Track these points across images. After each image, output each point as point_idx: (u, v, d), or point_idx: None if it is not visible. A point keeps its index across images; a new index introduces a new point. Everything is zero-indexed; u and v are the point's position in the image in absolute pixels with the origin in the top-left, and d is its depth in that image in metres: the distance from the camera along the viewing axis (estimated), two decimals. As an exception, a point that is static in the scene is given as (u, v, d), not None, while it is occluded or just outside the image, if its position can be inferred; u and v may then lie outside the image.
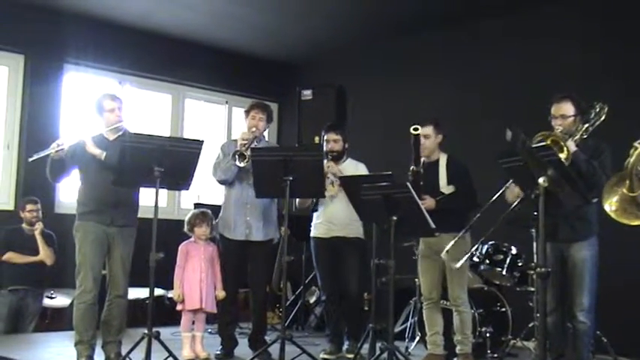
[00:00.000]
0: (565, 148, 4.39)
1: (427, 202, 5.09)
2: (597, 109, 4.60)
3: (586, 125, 4.58)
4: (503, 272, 5.98)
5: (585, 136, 4.59)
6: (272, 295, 7.35)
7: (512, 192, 4.68)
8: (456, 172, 5.32)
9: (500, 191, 4.75)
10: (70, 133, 5.35)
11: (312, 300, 7.68)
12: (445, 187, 5.30)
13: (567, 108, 4.66)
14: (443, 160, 5.39)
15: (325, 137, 5.89)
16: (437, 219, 4.68)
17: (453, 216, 5.13)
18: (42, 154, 4.97)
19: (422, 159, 5.28)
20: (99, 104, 5.24)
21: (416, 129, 5.15)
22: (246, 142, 5.47)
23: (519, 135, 4.40)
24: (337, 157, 5.81)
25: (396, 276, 4.90)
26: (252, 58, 9.17)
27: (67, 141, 5.07)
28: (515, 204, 4.57)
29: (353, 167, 5.82)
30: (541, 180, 4.03)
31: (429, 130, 5.34)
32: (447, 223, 4.95)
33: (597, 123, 4.59)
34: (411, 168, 5.18)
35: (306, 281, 7.49)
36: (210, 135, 8.99)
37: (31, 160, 5.00)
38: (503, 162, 4.23)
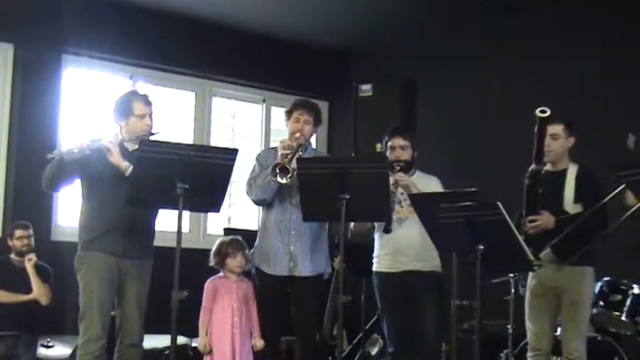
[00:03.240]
0: None
1: (543, 219, 5.01)
2: None
3: None
4: (623, 317, 5.86)
5: None
6: (323, 344, 7.32)
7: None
8: (588, 189, 5.21)
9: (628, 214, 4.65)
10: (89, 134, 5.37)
11: (375, 351, 7.62)
12: (570, 205, 5.21)
13: None
14: (572, 170, 5.30)
15: (389, 143, 5.87)
16: (557, 244, 4.62)
17: (579, 243, 5.04)
18: (65, 151, 5.02)
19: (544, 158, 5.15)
20: (126, 105, 5.28)
21: (543, 111, 4.93)
22: (288, 151, 5.46)
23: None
24: (406, 169, 5.78)
25: (483, 321, 4.85)
26: (295, 46, 9.19)
27: (91, 142, 5.08)
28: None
29: (423, 182, 5.79)
30: (674, 198, 3.95)
31: (558, 129, 5.23)
32: (570, 252, 4.90)
33: None
34: (531, 168, 5.08)
35: (367, 327, 7.45)
36: (244, 142, 9.03)
37: (50, 156, 5.05)
38: (624, 175, 4.16)
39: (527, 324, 5.38)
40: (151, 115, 5.29)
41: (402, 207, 5.68)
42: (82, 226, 5.25)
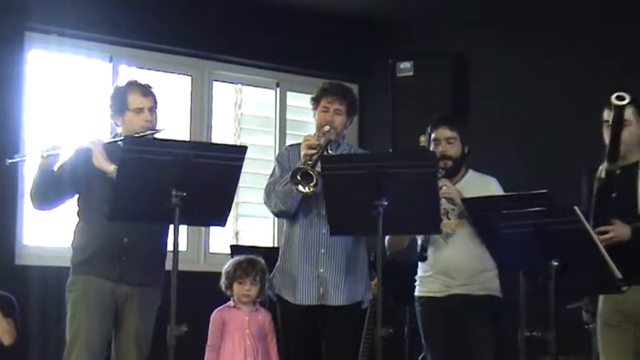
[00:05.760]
0: None
1: (616, 230, 4.98)
2: None
3: None
4: None
5: None
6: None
7: None
8: None
9: None
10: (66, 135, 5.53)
11: (422, 396, 7.64)
12: None
13: None
14: None
15: (433, 135, 5.86)
16: (631, 260, 4.60)
17: None
18: (26, 157, 5.11)
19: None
20: (120, 99, 5.42)
21: (621, 97, 4.82)
22: (313, 151, 5.46)
23: None
24: (453, 170, 5.78)
25: (559, 357, 4.83)
26: (317, 15, 9.19)
27: (68, 143, 5.24)
28: None
29: (478, 184, 5.80)
30: None
31: (627, 113, 5.05)
32: None
33: None
34: (602, 167, 5.00)
35: (412, 367, 7.46)
36: (254, 137, 9.03)
37: (10, 162, 5.13)
38: None
39: None
40: (151, 108, 5.42)
41: (448, 219, 5.68)
42: (74, 248, 5.38)
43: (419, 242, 5.79)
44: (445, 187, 5.57)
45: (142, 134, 5.28)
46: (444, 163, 5.69)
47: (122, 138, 5.32)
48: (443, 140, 5.78)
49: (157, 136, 5.38)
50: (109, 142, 5.32)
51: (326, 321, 5.65)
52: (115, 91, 5.50)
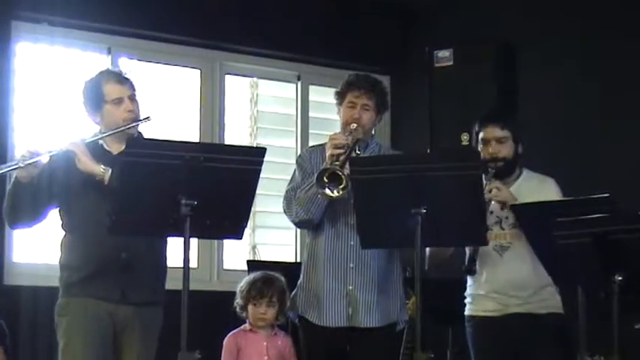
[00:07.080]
0: None
1: None
2: None
3: None
4: None
5: None
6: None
7: None
8: None
9: None
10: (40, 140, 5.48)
11: None
12: None
13: None
14: None
15: (481, 135, 5.86)
16: None
17: None
18: (5, 168, 5.13)
19: None
20: (95, 91, 5.37)
21: None
22: (340, 151, 5.45)
23: None
24: (505, 171, 5.77)
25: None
26: (341, -2, 9.23)
27: (46, 148, 5.19)
28: None
29: (536, 185, 5.80)
30: None
31: None
32: None
33: None
34: None
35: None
36: (272, 138, 9.03)
37: None
38: None
39: None
40: (131, 96, 5.37)
41: (502, 229, 5.67)
42: (64, 266, 5.33)
43: (467, 252, 5.77)
44: (495, 189, 5.55)
45: (127, 126, 5.25)
46: (494, 164, 5.67)
47: (106, 133, 5.29)
48: (493, 140, 5.76)
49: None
50: (92, 140, 5.27)
51: (356, 345, 5.62)
52: (86, 85, 5.42)
